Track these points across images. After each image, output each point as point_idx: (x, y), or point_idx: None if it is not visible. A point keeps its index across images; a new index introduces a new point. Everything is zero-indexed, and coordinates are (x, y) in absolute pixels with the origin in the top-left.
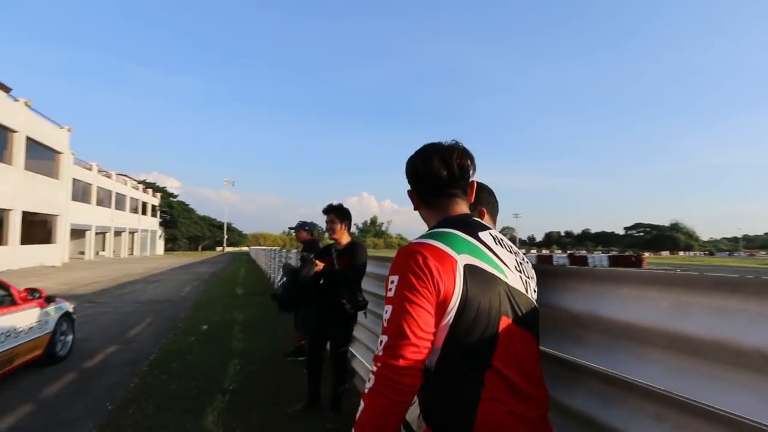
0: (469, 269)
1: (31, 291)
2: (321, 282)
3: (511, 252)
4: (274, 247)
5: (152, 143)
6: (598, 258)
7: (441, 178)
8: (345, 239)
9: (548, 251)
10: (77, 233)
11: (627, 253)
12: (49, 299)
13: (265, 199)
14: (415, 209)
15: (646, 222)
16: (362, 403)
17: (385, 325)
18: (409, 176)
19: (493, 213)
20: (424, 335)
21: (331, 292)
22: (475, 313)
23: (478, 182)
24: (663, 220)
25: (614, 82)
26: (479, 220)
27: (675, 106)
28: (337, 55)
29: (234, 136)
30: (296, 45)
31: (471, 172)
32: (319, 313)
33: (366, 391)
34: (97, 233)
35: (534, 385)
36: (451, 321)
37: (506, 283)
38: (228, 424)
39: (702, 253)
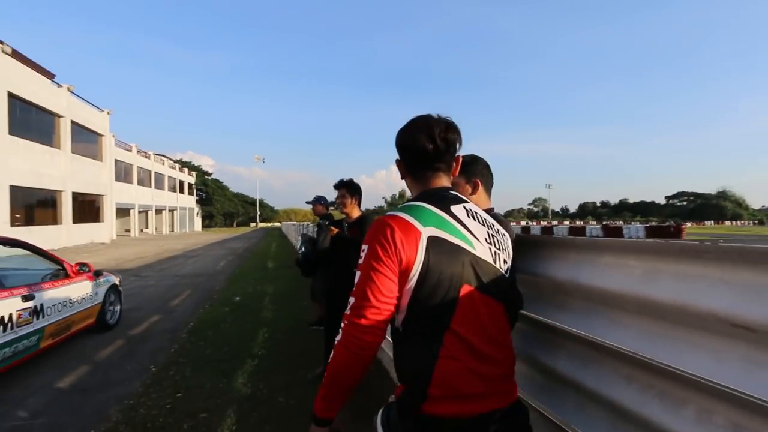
0: (432, 240)
1: (81, 265)
2: (335, 249)
3: (484, 225)
4: (304, 222)
5: (186, 123)
6: (634, 229)
7: (426, 151)
8: (355, 213)
9: (582, 222)
10: (122, 212)
11: (666, 224)
12: (97, 273)
13: (295, 174)
14: (402, 178)
15: (690, 190)
16: (332, 352)
17: (354, 288)
18: (397, 147)
19: (488, 185)
20: (385, 299)
21: (342, 259)
22: (436, 280)
23: (473, 155)
24: (709, 188)
25: (655, 44)
26: (456, 193)
27: (724, 67)
28: (365, 22)
29: (264, 112)
30: (323, 13)
31: (457, 146)
32: (332, 280)
33: (335, 343)
34: (139, 212)
35: (497, 348)
36: (413, 286)
37: (472, 253)
38: (255, 385)
39: (751, 222)
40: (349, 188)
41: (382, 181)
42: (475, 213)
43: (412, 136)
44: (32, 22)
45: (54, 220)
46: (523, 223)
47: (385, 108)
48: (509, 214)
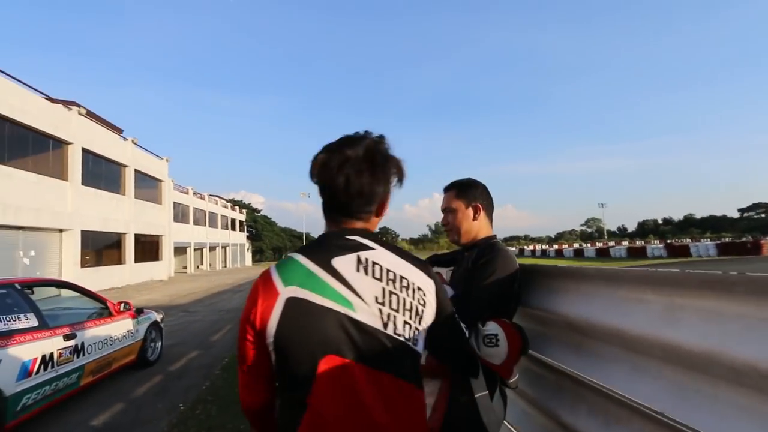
0: (291, 302)
1: (124, 304)
2: None
3: (380, 279)
4: None
5: (240, 164)
6: (704, 247)
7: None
8: None
9: (642, 242)
10: (179, 250)
11: (743, 239)
12: (139, 311)
13: None
14: None
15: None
16: None
17: None
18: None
19: (489, 209)
20: (248, 365)
21: None
22: (293, 348)
23: (471, 179)
24: None
25: (713, 44)
26: (357, 238)
27: None
28: (402, 54)
29: (310, 148)
30: (361, 48)
31: (381, 187)
32: None
33: None
34: (195, 249)
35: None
36: (271, 352)
37: (348, 316)
38: None
39: None
40: None
41: (426, 209)
42: (373, 264)
43: (316, 168)
44: (105, 85)
45: (118, 260)
46: (576, 245)
47: (425, 136)
48: (560, 236)
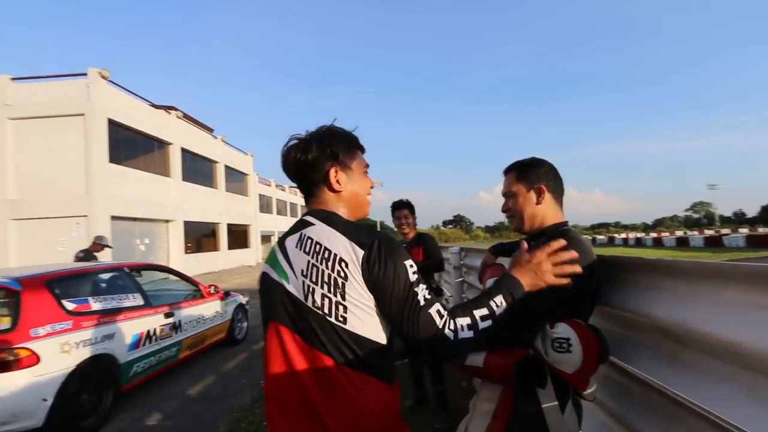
0: (262, 276)
1: (213, 287)
2: None
3: (309, 253)
4: None
5: None
6: None
7: (290, 177)
8: (412, 232)
9: (767, 229)
10: (265, 238)
11: None
12: (226, 293)
13: (411, 195)
14: None
15: None
16: None
17: None
18: None
19: (557, 192)
20: None
21: None
22: (261, 314)
23: (534, 157)
24: None
25: None
26: (308, 218)
27: None
28: (474, 35)
29: (379, 137)
30: (430, 32)
31: (315, 163)
32: None
33: None
34: (278, 237)
35: (304, 402)
36: None
37: (284, 288)
38: None
39: None
40: (411, 208)
41: (495, 195)
42: (309, 240)
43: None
44: (198, 89)
45: (214, 247)
46: (679, 233)
47: (499, 121)
48: (659, 223)
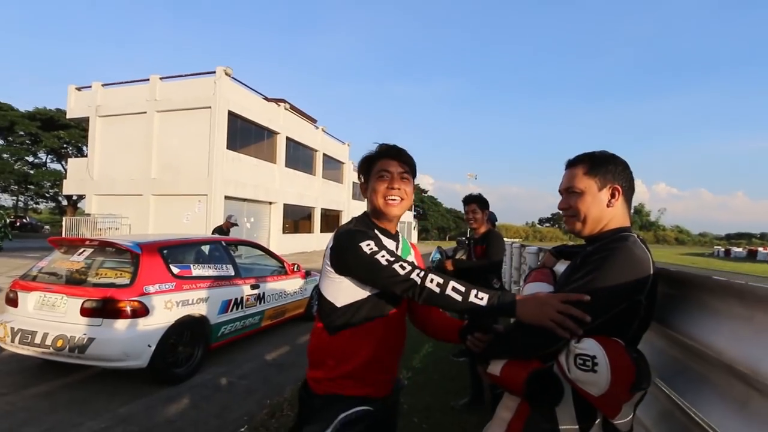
0: None
1: (296, 265)
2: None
3: None
4: (515, 240)
5: (412, 148)
6: None
7: None
8: (483, 228)
9: None
10: None
11: None
12: (308, 272)
13: (508, 189)
14: None
15: None
16: None
17: None
18: None
19: (629, 195)
20: None
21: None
22: None
23: (607, 152)
24: None
25: None
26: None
27: None
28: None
29: (478, 129)
30: (540, 28)
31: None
32: None
33: None
34: None
35: None
36: None
37: None
38: (402, 395)
39: None
40: (480, 203)
41: None
42: None
43: None
44: (304, 81)
45: (309, 229)
46: None
47: (610, 111)
48: None
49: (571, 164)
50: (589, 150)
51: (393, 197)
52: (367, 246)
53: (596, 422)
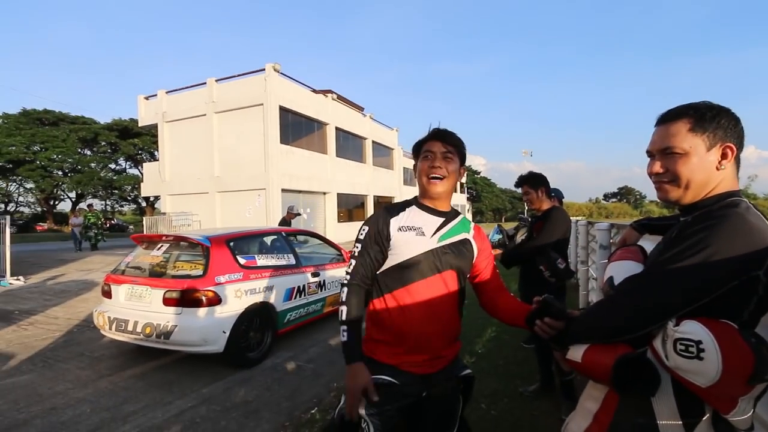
0: None
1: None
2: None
3: None
4: (579, 218)
5: (462, 129)
6: None
7: None
8: (545, 206)
9: None
10: None
11: None
12: None
13: (569, 165)
14: None
15: None
16: None
17: None
18: None
19: (739, 154)
20: None
21: (529, 261)
22: None
23: (713, 103)
24: None
25: None
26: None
27: None
28: None
29: (532, 105)
30: None
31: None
32: (523, 287)
33: None
34: None
35: None
36: None
37: None
38: None
39: None
40: (530, 183)
41: None
42: None
43: None
44: (347, 72)
45: (362, 217)
46: None
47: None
48: None
49: (669, 118)
50: (662, 111)
51: (434, 175)
52: (362, 231)
53: (705, 418)
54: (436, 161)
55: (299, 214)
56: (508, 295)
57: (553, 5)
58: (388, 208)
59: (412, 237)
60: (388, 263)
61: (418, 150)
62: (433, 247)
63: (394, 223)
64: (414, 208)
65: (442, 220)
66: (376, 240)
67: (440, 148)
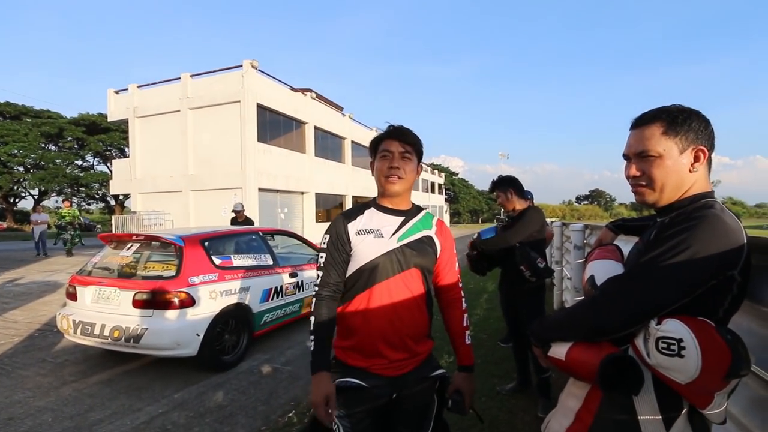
0: None
1: None
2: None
3: None
4: (553, 219)
5: (440, 130)
6: None
7: None
8: (519, 206)
9: None
10: None
11: None
12: None
13: (544, 167)
14: None
15: None
16: None
17: None
18: None
19: (711, 152)
20: None
21: (508, 262)
22: None
23: (683, 106)
24: None
25: None
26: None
27: None
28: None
29: (509, 108)
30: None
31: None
32: (504, 287)
33: None
34: None
35: None
36: None
37: None
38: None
39: None
40: (500, 186)
41: None
42: None
43: None
44: (328, 71)
45: None
46: None
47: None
48: None
49: (643, 122)
50: (626, 120)
51: (392, 176)
52: (324, 240)
53: (682, 412)
54: (394, 161)
55: (242, 210)
56: (459, 311)
57: (532, 13)
58: (346, 213)
59: (371, 240)
60: (350, 268)
61: (375, 148)
62: (393, 247)
63: (352, 227)
64: (372, 210)
65: (401, 219)
66: (337, 247)
67: (398, 147)
